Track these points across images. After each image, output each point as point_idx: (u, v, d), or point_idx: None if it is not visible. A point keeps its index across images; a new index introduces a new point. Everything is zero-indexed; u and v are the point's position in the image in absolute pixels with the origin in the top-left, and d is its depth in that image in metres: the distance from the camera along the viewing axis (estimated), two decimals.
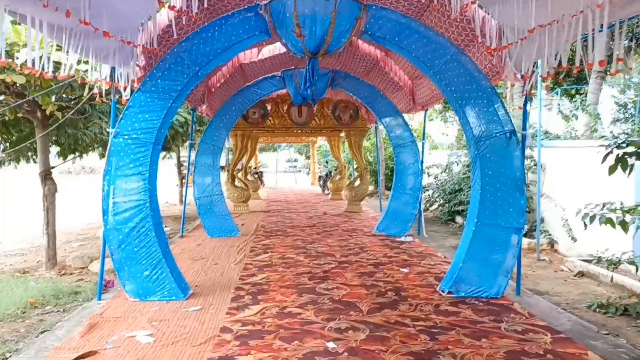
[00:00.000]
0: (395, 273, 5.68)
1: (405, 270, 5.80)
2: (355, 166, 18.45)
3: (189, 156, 8.65)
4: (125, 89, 4.55)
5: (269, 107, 11.72)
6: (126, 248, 4.63)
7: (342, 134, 16.18)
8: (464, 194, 9.65)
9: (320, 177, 18.87)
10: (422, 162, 8.37)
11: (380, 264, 6.12)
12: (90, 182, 30.92)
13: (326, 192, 17.23)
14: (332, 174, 17.41)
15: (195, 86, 5.22)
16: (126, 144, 4.61)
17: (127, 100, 4.60)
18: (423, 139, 8.50)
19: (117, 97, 4.67)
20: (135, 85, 4.62)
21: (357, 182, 12.04)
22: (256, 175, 20.46)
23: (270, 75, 8.45)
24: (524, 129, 4.88)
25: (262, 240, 7.83)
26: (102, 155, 13.11)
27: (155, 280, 4.66)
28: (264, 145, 35.13)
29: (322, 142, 25.57)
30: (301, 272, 5.71)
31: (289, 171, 35.94)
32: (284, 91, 12.26)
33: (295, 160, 39.36)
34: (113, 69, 4.57)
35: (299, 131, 14.83)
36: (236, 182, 12.08)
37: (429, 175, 12.03)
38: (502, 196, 4.72)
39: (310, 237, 8.20)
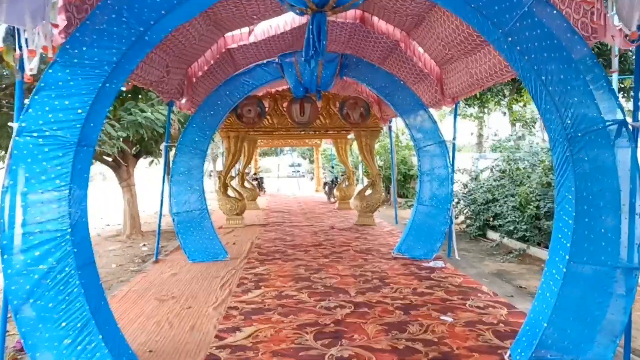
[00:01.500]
0: (435, 324, 4.05)
1: (449, 319, 4.17)
2: (364, 171, 16.84)
3: (166, 160, 7.08)
4: (32, 57, 2.96)
5: (266, 105, 10.16)
6: (37, 303, 3.04)
7: (350, 136, 14.65)
8: (498, 205, 8.01)
9: (325, 183, 17.26)
10: (452, 167, 6.75)
11: (411, 307, 4.50)
12: None
13: (332, 200, 15.64)
14: (338, 180, 15.81)
15: (144, 57, 3.66)
16: (37, 146, 3.04)
17: (35, 77, 3.03)
18: (454, 138, 6.88)
19: (21, 74, 3.08)
20: (51, 55, 3.04)
21: (368, 191, 10.43)
22: (255, 182, 18.91)
23: (264, 61, 6.87)
24: (636, 119, 3.25)
25: (254, 268, 6.21)
26: None
27: (81, 351, 3.06)
28: (266, 150, 33.63)
29: (326, 145, 23.98)
30: (304, 323, 4.10)
31: (292, 176, 34.39)
32: (283, 85, 10.72)
33: (299, 165, 37.81)
34: (17, 31, 2.99)
35: (302, 132, 13.34)
36: (229, 192, 10.49)
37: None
38: (606, 220, 3.10)
39: (315, 261, 6.59)
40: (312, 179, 33.01)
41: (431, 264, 6.29)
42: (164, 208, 7.10)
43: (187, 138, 6.68)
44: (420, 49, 6.56)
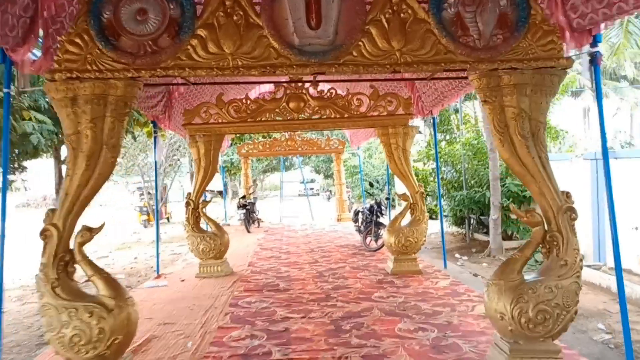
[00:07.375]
0: None
1: None
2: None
3: None
4: None
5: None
6: None
7: (415, 122, 7.47)
8: None
9: (357, 212, 10.02)
10: None
11: None
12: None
13: (373, 245, 8.52)
14: (382, 208, 8.66)
15: None
16: None
17: None
18: None
19: None
20: None
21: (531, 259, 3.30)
22: (243, 211, 11.92)
23: None
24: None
25: None
26: None
27: None
28: (274, 164, 26.45)
29: (346, 153, 16.95)
30: None
31: (303, 194, 27.30)
32: None
33: (312, 181, 30.74)
34: None
35: (310, 98, 6.44)
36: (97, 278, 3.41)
37: None
38: None
39: None
40: (329, 198, 25.87)
41: None
42: None
43: None
44: None
